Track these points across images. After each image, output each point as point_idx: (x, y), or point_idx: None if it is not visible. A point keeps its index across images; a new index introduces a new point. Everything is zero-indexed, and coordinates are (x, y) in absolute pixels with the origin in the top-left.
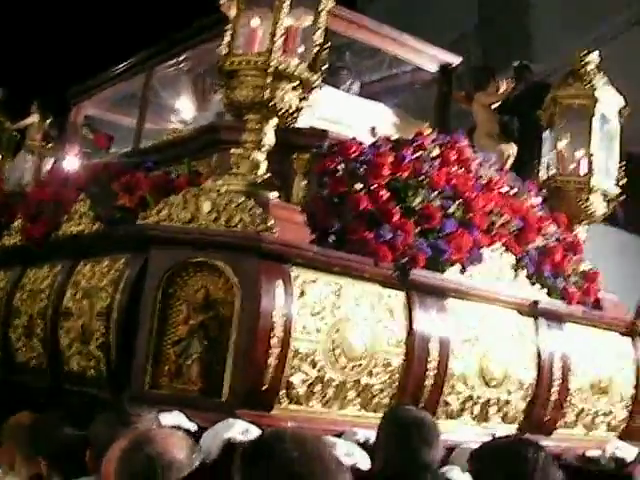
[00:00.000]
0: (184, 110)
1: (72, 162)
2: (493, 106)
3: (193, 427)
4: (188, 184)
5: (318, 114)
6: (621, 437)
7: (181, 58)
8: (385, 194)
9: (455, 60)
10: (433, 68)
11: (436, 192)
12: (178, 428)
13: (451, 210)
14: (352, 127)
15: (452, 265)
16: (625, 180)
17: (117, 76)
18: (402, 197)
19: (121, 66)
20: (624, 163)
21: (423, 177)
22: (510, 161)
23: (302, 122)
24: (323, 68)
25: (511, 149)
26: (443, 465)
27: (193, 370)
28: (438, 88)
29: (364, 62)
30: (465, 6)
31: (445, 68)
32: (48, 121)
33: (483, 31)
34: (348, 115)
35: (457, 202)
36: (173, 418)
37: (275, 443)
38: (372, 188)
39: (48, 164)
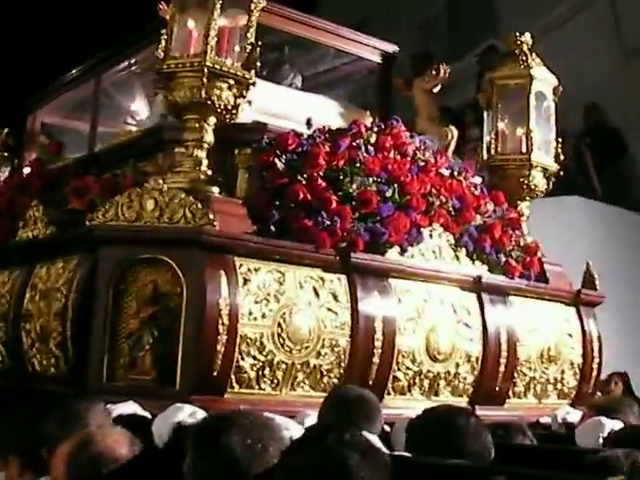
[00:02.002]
0: (139, 112)
1: (28, 169)
2: (434, 90)
3: (148, 415)
4: (134, 184)
5: (262, 110)
6: (573, 404)
7: (132, 61)
8: (322, 183)
9: (394, 49)
10: (374, 58)
11: (372, 178)
12: (133, 417)
13: (388, 194)
14: (295, 120)
15: (392, 247)
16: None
17: (70, 82)
18: (339, 185)
19: (74, 72)
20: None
21: (359, 164)
22: (452, 143)
23: (246, 118)
24: (257, 65)
25: (452, 132)
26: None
27: (146, 361)
28: (379, 77)
29: (307, 56)
30: None
31: (385, 57)
32: (5, 130)
33: (449, 13)
34: (291, 109)
35: (393, 186)
36: (128, 408)
37: (219, 425)
38: (309, 178)
39: (5, 173)
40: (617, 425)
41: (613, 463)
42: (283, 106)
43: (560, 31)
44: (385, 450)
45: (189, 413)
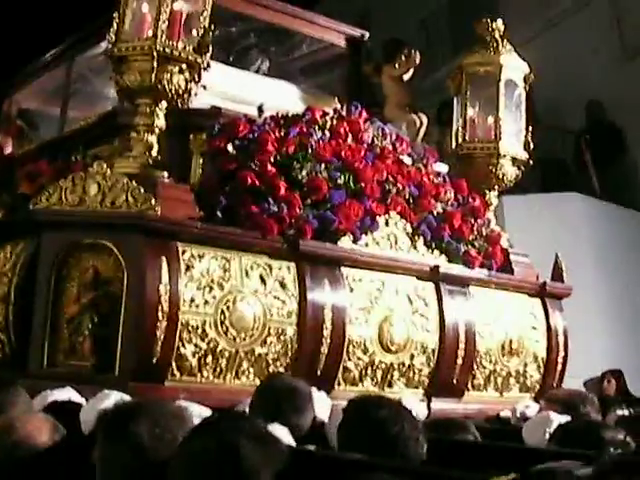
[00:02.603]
0: (113, 96)
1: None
2: (405, 77)
3: (83, 402)
4: (84, 170)
5: (226, 95)
6: (536, 398)
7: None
8: (272, 169)
9: (364, 34)
10: (343, 43)
11: (323, 165)
12: (67, 403)
13: (340, 181)
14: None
15: (344, 235)
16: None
17: (44, 66)
18: (289, 171)
19: (48, 56)
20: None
21: (310, 151)
22: (422, 131)
23: (207, 103)
24: (209, 49)
25: (420, 119)
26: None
27: (86, 346)
28: (348, 63)
29: (276, 42)
30: None
31: (354, 43)
32: None
33: (451, 7)
34: (255, 95)
35: (346, 173)
36: (64, 394)
37: (129, 413)
38: (259, 164)
39: None
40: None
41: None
42: (245, 91)
43: (561, 28)
44: (287, 441)
45: (115, 400)
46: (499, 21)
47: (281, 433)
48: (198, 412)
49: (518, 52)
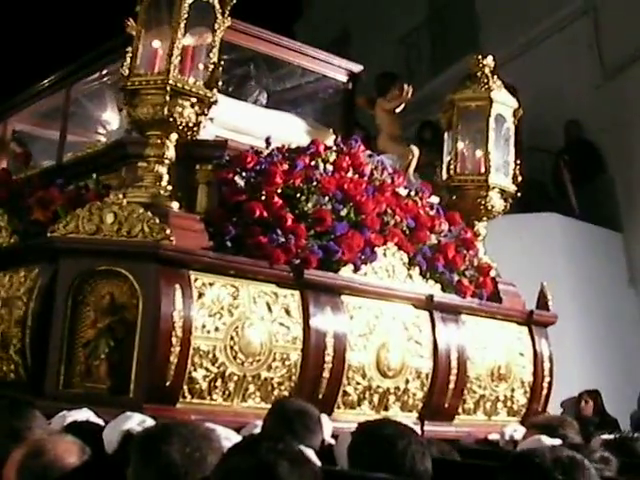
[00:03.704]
0: (110, 122)
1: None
2: (397, 110)
3: (101, 422)
4: (97, 198)
5: (227, 125)
6: (522, 421)
7: (103, 72)
8: (278, 201)
9: (359, 69)
10: (339, 77)
11: (328, 197)
12: (87, 424)
13: (343, 213)
14: (259, 137)
15: (345, 265)
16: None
17: (42, 92)
18: (295, 203)
19: (45, 82)
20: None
21: (315, 183)
22: (413, 163)
23: (210, 133)
24: (219, 84)
25: (413, 152)
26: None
27: (102, 369)
28: (343, 96)
29: (274, 74)
30: (412, 1)
31: (350, 76)
32: None
33: (432, 24)
34: (255, 125)
35: (348, 205)
36: (82, 414)
37: (160, 434)
38: (266, 195)
39: None
40: (557, 444)
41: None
42: (247, 123)
43: (540, 48)
44: (317, 462)
45: (138, 421)
46: (489, 57)
47: (311, 454)
48: (225, 434)
49: (499, 74)
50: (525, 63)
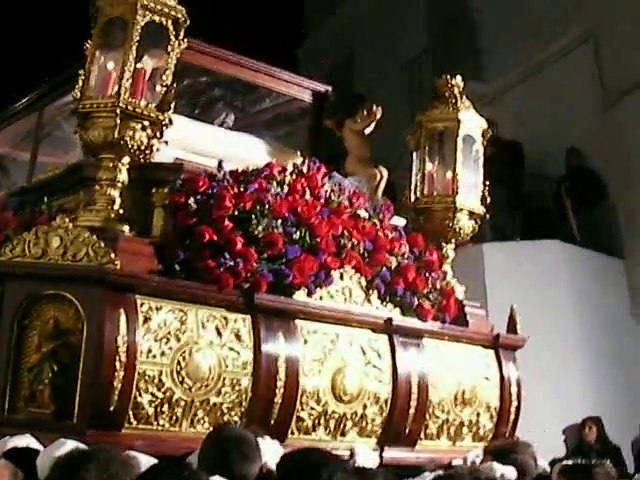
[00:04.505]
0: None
1: None
2: (366, 131)
3: (41, 448)
4: (49, 221)
5: (189, 148)
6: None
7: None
8: (229, 224)
9: (327, 89)
10: (307, 98)
11: (279, 220)
12: (26, 450)
13: (295, 236)
14: (224, 159)
15: (299, 288)
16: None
17: (16, 113)
18: (246, 226)
19: (19, 103)
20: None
21: (267, 206)
22: (382, 184)
23: (171, 156)
24: (172, 107)
25: (381, 173)
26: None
27: (45, 394)
28: (310, 117)
29: (241, 95)
30: (415, 28)
31: (317, 97)
32: None
33: (436, 50)
34: (220, 148)
35: (301, 229)
36: (22, 440)
37: (79, 460)
38: (217, 219)
39: None
40: (509, 470)
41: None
42: (210, 145)
43: (542, 76)
44: None
45: (71, 448)
46: (458, 77)
47: None
48: (146, 461)
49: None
50: (526, 90)
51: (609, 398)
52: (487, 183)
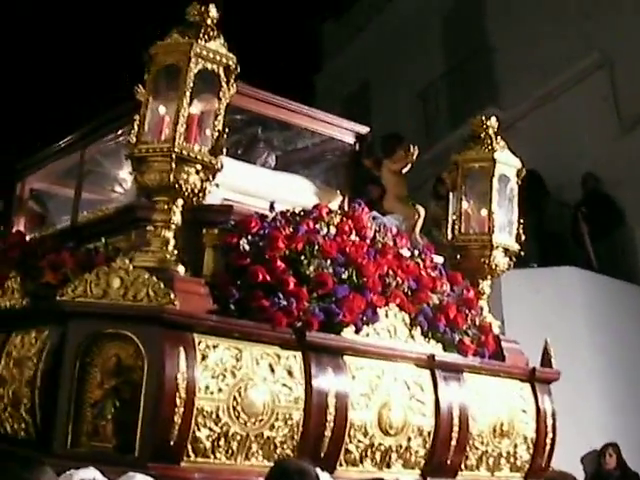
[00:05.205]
0: (126, 180)
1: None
2: (403, 171)
3: None
4: (106, 261)
5: (235, 188)
6: (526, 477)
7: (118, 133)
8: (281, 265)
9: (366, 130)
10: (346, 138)
11: (329, 260)
12: None
13: (344, 276)
14: (268, 199)
15: (347, 326)
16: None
17: (58, 152)
18: (297, 266)
19: (61, 143)
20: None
21: (317, 247)
22: (419, 223)
23: (219, 196)
24: (224, 151)
25: (419, 212)
26: None
27: (108, 429)
28: (350, 157)
29: (282, 136)
30: (431, 55)
31: (357, 138)
32: None
33: (451, 78)
34: (264, 188)
35: (350, 268)
36: (88, 473)
37: None
38: (269, 260)
39: None
40: None
41: None
42: (256, 185)
43: (558, 102)
44: None
45: None
46: (493, 118)
47: None
48: None
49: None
50: (542, 116)
51: (626, 425)
52: (521, 221)
